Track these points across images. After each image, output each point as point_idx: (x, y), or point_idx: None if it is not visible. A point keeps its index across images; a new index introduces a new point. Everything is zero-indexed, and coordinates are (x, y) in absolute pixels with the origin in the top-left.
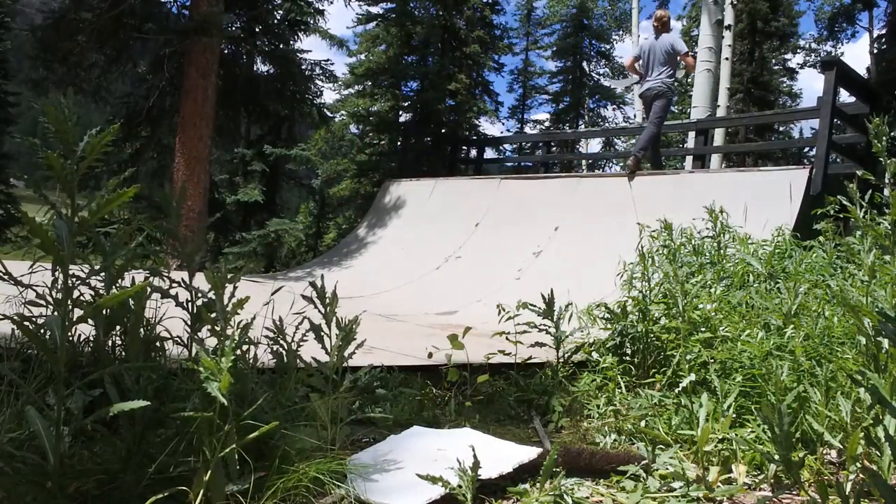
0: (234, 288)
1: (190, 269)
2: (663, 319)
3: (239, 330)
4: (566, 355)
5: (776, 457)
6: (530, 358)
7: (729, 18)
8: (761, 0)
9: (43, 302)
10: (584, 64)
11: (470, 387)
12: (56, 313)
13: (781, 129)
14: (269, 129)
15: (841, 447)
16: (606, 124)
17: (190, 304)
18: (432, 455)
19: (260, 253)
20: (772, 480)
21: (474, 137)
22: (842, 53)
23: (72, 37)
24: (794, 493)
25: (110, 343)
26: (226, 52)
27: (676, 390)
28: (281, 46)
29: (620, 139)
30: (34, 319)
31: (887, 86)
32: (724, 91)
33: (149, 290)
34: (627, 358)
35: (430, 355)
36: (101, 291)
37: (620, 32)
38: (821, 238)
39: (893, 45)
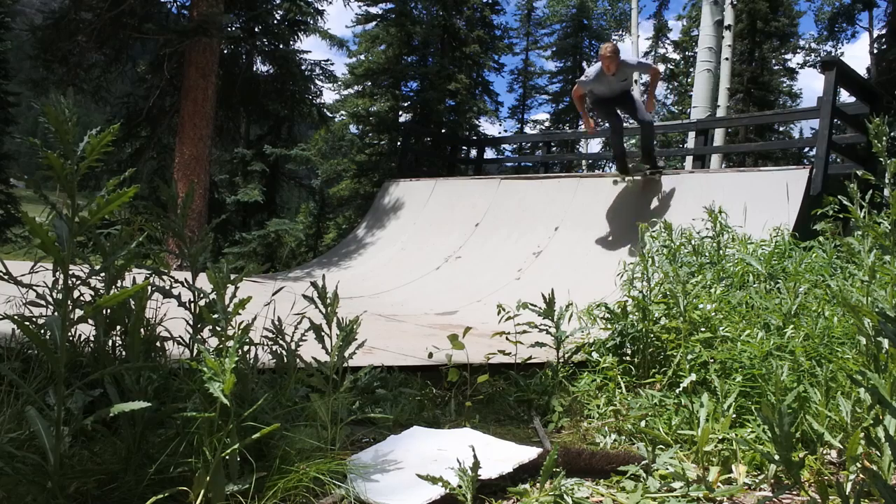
0: (236, 288)
1: (193, 269)
2: (663, 319)
3: (240, 330)
4: (566, 355)
5: (776, 457)
6: (530, 358)
7: (729, 18)
8: (761, 0)
9: (43, 302)
10: (584, 64)
11: (470, 387)
12: (56, 313)
13: (781, 129)
14: (269, 129)
15: (841, 447)
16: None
17: (193, 304)
18: (432, 455)
19: (260, 253)
20: (772, 480)
21: (474, 137)
22: (842, 53)
23: (72, 37)
24: (794, 493)
25: (111, 343)
26: (225, 52)
27: (676, 390)
28: (281, 46)
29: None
30: (35, 319)
31: (887, 86)
32: (724, 91)
33: (150, 289)
34: (627, 358)
35: (430, 355)
36: (101, 291)
37: (620, 32)
38: (821, 238)
39: (893, 45)
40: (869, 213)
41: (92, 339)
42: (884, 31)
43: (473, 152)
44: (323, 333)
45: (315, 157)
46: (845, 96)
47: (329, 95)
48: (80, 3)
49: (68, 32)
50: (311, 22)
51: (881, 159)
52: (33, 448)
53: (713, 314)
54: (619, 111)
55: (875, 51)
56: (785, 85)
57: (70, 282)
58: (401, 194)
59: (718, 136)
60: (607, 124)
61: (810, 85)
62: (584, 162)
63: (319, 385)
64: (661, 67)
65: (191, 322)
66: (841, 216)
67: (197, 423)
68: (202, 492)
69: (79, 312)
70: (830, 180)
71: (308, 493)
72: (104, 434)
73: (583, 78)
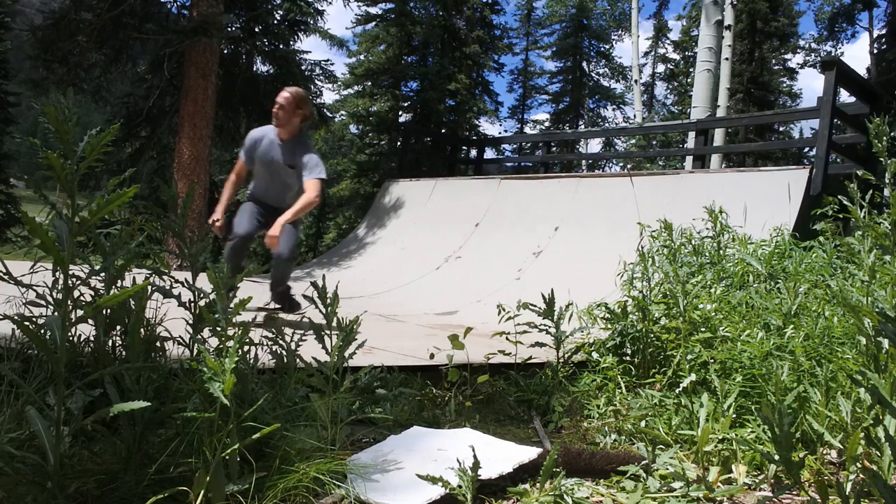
0: (236, 288)
1: (194, 269)
2: (663, 319)
3: (240, 330)
4: (566, 355)
5: (776, 457)
6: (530, 358)
7: (729, 18)
8: (761, 0)
9: (43, 302)
10: (584, 64)
11: (470, 387)
12: (56, 313)
13: (781, 129)
14: None
15: (841, 447)
16: (606, 124)
17: (193, 304)
18: (432, 455)
19: (260, 253)
20: (772, 480)
21: (474, 137)
22: (842, 53)
23: (72, 37)
24: (794, 493)
25: (111, 343)
26: (225, 52)
27: (676, 390)
28: (281, 47)
29: (620, 139)
30: (35, 319)
31: (887, 86)
32: (724, 91)
33: (150, 289)
34: (627, 358)
35: (431, 356)
36: (101, 291)
37: (620, 32)
38: (821, 238)
39: (893, 45)
40: (869, 213)
41: (92, 339)
42: (884, 31)
43: (473, 152)
44: (323, 333)
45: None
46: (845, 96)
47: (329, 95)
48: (80, 3)
49: (68, 32)
50: (311, 22)
51: (881, 159)
52: (33, 448)
53: (713, 314)
54: (258, 225)
55: (875, 51)
56: (785, 85)
57: (70, 282)
58: (401, 194)
59: (718, 136)
60: (234, 232)
61: (810, 85)
62: (584, 162)
63: (319, 385)
64: (314, 195)
65: (191, 322)
66: (841, 216)
67: (197, 424)
68: (202, 492)
69: (79, 312)
70: (830, 180)
71: (308, 493)
72: (104, 434)
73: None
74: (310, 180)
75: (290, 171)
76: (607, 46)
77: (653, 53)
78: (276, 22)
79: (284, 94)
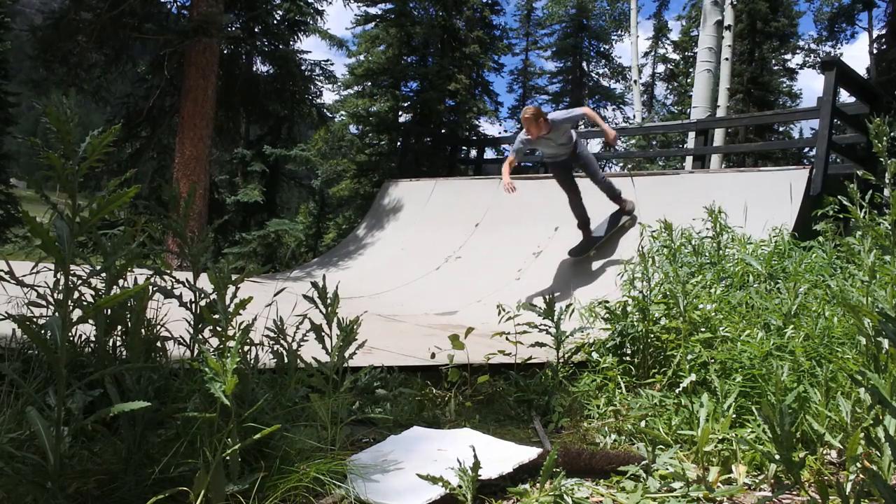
0: (237, 288)
1: (195, 269)
2: (663, 320)
3: (241, 330)
4: (566, 355)
5: (776, 457)
6: (530, 358)
7: (729, 19)
8: (761, 0)
9: (44, 302)
10: (584, 64)
11: (470, 387)
12: (57, 313)
13: (781, 129)
14: (268, 130)
15: (841, 447)
16: (606, 124)
17: (194, 304)
18: (432, 455)
19: (260, 253)
20: (772, 480)
21: (474, 138)
22: (841, 54)
23: (72, 37)
24: (794, 493)
25: (111, 343)
26: (225, 52)
27: (676, 390)
28: (280, 47)
29: (620, 139)
30: (35, 319)
31: (887, 86)
32: (724, 91)
33: (151, 290)
34: (627, 358)
35: (432, 355)
36: (102, 292)
37: (620, 32)
38: (820, 238)
39: (893, 45)
40: (869, 213)
41: (93, 339)
42: (884, 31)
43: (473, 152)
44: (323, 334)
45: (315, 158)
46: (845, 96)
47: (329, 96)
48: (80, 3)
49: (68, 32)
50: (311, 22)
51: (881, 159)
52: (33, 448)
53: (713, 314)
54: (573, 177)
55: (875, 51)
56: (785, 85)
57: (71, 282)
58: (401, 194)
59: (718, 136)
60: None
61: (810, 85)
62: None
63: (319, 385)
64: (586, 109)
65: (192, 322)
66: (841, 216)
67: (197, 424)
68: (202, 492)
69: (80, 313)
70: (830, 180)
71: (308, 493)
72: (104, 434)
73: (515, 145)
74: (576, 118)
75: (562, 146)
76: (607, 46)
77: (653, 53)
78: (275, 22)
79: (527, 116)
